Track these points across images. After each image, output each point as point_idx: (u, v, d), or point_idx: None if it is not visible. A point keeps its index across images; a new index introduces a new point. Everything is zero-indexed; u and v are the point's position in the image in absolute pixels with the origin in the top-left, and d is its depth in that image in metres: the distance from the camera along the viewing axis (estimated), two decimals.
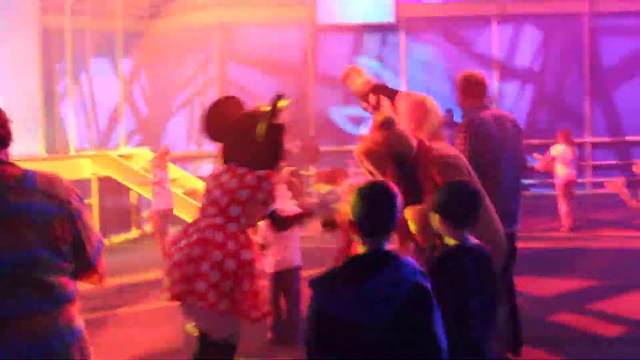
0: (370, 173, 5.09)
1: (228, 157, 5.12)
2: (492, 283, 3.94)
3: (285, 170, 5.29)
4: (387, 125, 4.94)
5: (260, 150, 5.02)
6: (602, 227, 13.01)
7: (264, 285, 4.94)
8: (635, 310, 7.70)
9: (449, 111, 15.15)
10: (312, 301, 3.19)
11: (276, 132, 5.10)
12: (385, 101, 6.37)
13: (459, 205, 3.90)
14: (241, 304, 4.78)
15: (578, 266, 9.78)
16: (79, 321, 3.08)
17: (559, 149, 12.86)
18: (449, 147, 5.11)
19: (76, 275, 3.10)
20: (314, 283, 3.17)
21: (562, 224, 12.79)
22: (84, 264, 3.11)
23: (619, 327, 7.18)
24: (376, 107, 6.51)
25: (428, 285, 3.12)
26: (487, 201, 4.98)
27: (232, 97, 5.34)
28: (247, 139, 5.04)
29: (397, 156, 4.91)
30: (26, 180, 3.06)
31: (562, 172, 12.80)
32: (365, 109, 6.75)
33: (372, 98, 6.61)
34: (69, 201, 3.10)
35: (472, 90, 6.03)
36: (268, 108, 5.08)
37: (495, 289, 3.98)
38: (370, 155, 5.03)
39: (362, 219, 3.19)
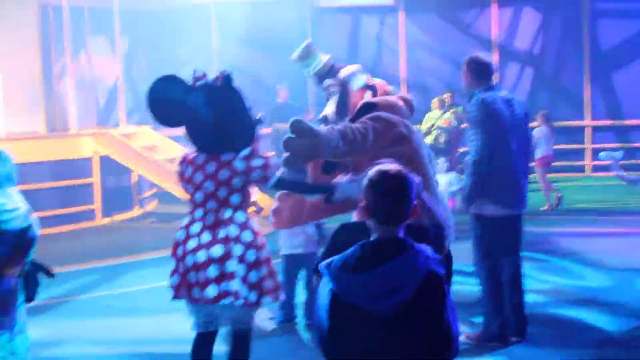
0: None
1: (200, 144, 4.90)
2: None
3: None
4: None
5: (226, 129, 4.83)
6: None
7: (272, 263, 4.97)
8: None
9: (450, 93, 15.16)
10: (324, 286, 3.16)
11: (229, 103, 4.89)
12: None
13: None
14: (266, 289, 4.81)
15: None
16: None
17: (540, 130, 13.26)
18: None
19: None
20: (327, 268, 3.14)
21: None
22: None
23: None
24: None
25: (442, 272, 3.11)
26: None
27: (168, 77, 5.01)
28: (205, 123, 4.84)
29: None
30: None
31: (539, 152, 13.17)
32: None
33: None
34: None
35: (480, 71, 6.17)
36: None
37: None
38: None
39: (376, 207, 3.14)
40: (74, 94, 14.98)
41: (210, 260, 4.68)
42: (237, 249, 4.71)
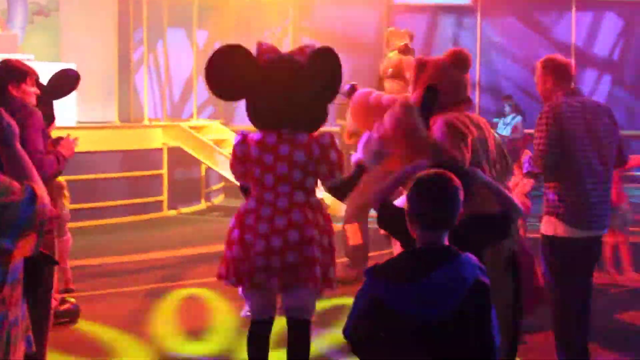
0: None
1: (271, 120, 4.82)
2: None
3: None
4: None
5: (314, 109, 4.84)
6: None
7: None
8: None
9: (507, 97, 15.06)
10: (366, 290, 3.14)
11: (324, 85, 4.91)
12: None
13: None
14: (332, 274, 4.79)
15: None
16: None
17: None
18: None
19: None
20: (371, 272, 3.12)
21: None
22: None
23: None
24: None
25: (487, 281, 3.07)
26: None
27: (238, 47, 4.91)
28: (297, 97, 4.78)
29: None
30: None
31: None
32: None
33: None
34: None
35: (557, 72, 5.34)
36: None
37: None
38: None
39: (422, 212, 3.12)
40: (149, 85, 15.19)
41: (287, 246, 4.57)
42: (315, 234, 4.63)
